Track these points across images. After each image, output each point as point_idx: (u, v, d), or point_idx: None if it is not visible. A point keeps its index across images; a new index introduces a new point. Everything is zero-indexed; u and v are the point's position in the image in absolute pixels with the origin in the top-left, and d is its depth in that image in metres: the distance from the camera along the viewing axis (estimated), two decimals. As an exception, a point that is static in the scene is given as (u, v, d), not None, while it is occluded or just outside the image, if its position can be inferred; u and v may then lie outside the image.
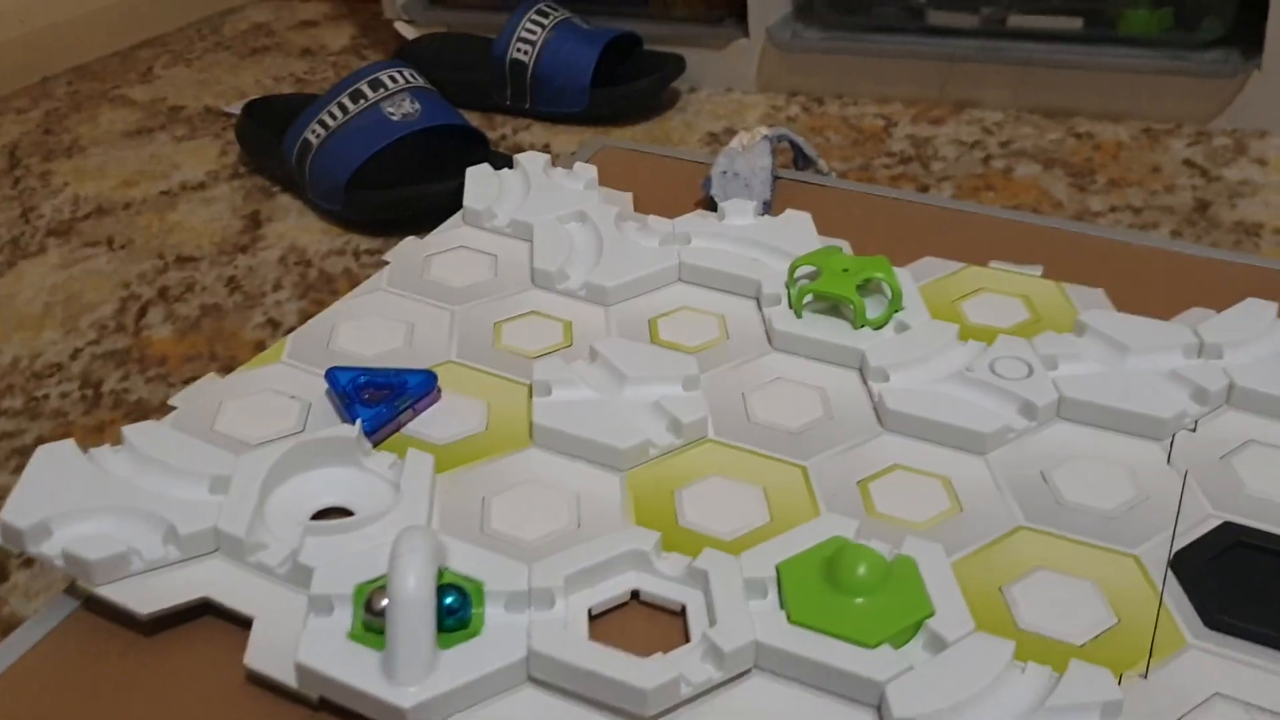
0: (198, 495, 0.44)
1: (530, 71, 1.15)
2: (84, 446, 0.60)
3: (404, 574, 0.37)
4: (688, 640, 0.41)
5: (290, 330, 0.82)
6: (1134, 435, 0.49)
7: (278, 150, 1.05)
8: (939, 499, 0.46)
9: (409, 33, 1.36)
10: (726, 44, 1.20)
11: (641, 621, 0.42)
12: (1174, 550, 0.43)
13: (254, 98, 1.15)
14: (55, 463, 0.45)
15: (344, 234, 0.96)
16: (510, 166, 0.96)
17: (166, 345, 0.82)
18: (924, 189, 0.93)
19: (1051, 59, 1.04)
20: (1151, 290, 0.59)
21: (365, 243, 0.94)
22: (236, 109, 1.27)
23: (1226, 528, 0.44)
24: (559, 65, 1.14)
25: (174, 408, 0.51)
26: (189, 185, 1.09)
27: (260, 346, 0.80)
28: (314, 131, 0.98)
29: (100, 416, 0.75)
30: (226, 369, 0.77)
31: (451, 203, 0.95)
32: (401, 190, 0.94)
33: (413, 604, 0.37)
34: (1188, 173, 0.91)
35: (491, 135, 1.15)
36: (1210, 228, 0.82)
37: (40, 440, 0.73)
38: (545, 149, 1.10)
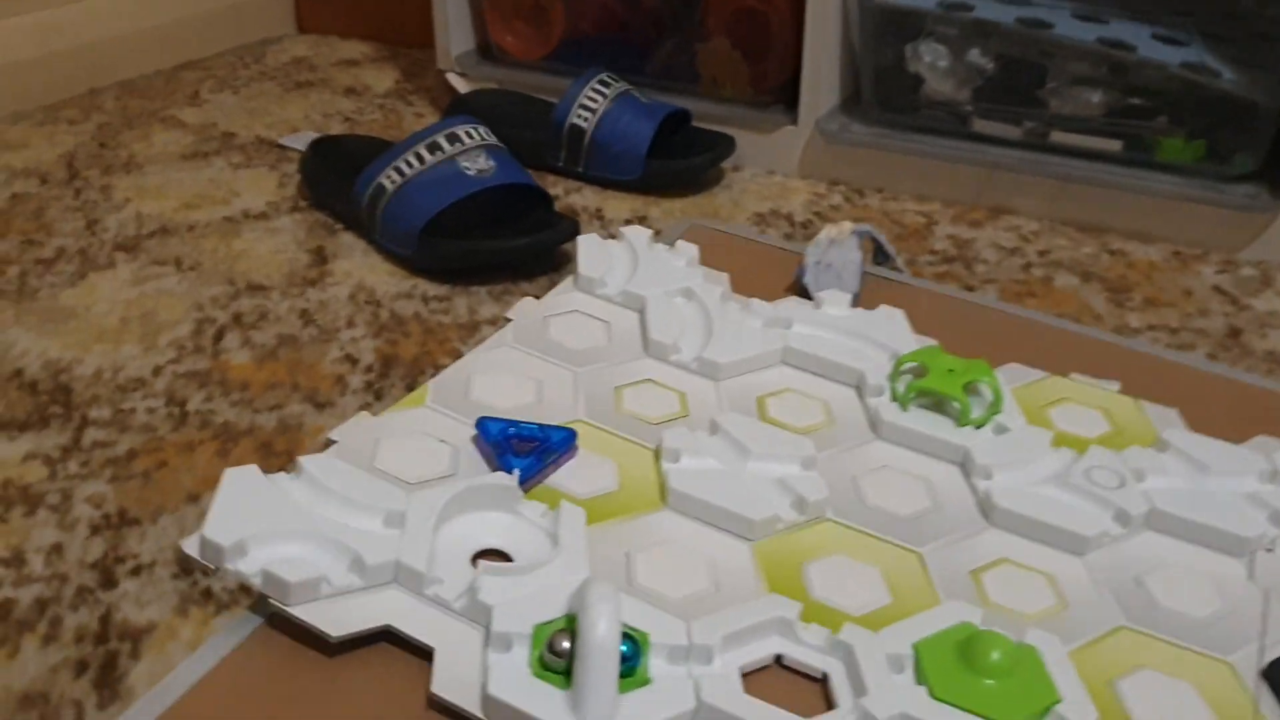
0: (373, 527, 0.47)
1: (588, 138, 1.19)
2: (179, 463, 0.63)
3: (595, 620, 0.41)
4: (829, 706, 0.44)
5: (369, 368, 0.85)
6: (1216, 550, 0.54)
7: (345, 190, 1.09)
8: (1045, 594, 0.50)
9: (462, 86, 1.40)
10: (774, 129, 1.25)
11: (784, 685, 0.45)
12: (1263, 660, 0.48)
13: (320, 135, 1.18)
14: (243, 485, 0.48)
15: (410, 278, 1.00)
16: (575, 228, 1.01)
17: (247, 371, 0.85)
18: (969, 289, 0.98)
19: (1089, 176, 1.10)
20: (1209, 410, 0.64)
21: (432, 289, 0.98)
22: (292, 142, 1.31)
23: (1307, 643, 0.49)
24: (617, 135, 1.19)
25: (333, 441, 0.54)
26: (251, 214, 1.12)
27: (341, 381, 0.83)
28: (389, 178, 1.02)
29: (189, 435, 0.77)
30: (311, 400, 0.81)
31: (517, 259, 1.00)
32: (473, 243, 0.98)
33: (602, 649, 0.41)
34: (1218, 299, 0.97)
35: (549, 194, 1.19)
36: (1244, 354, 0.88)
37: (133, 453, 0.75)
38: (598, 212, 1.14)
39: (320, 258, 1.03)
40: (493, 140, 1.05)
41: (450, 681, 0.43)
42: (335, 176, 1.12)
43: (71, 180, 1.20)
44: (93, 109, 1.43)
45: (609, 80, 1.22)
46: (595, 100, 1.20)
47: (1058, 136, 1.14)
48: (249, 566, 0.45)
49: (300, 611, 0.44)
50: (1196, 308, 0.96)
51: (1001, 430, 0.59)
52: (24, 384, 0.83)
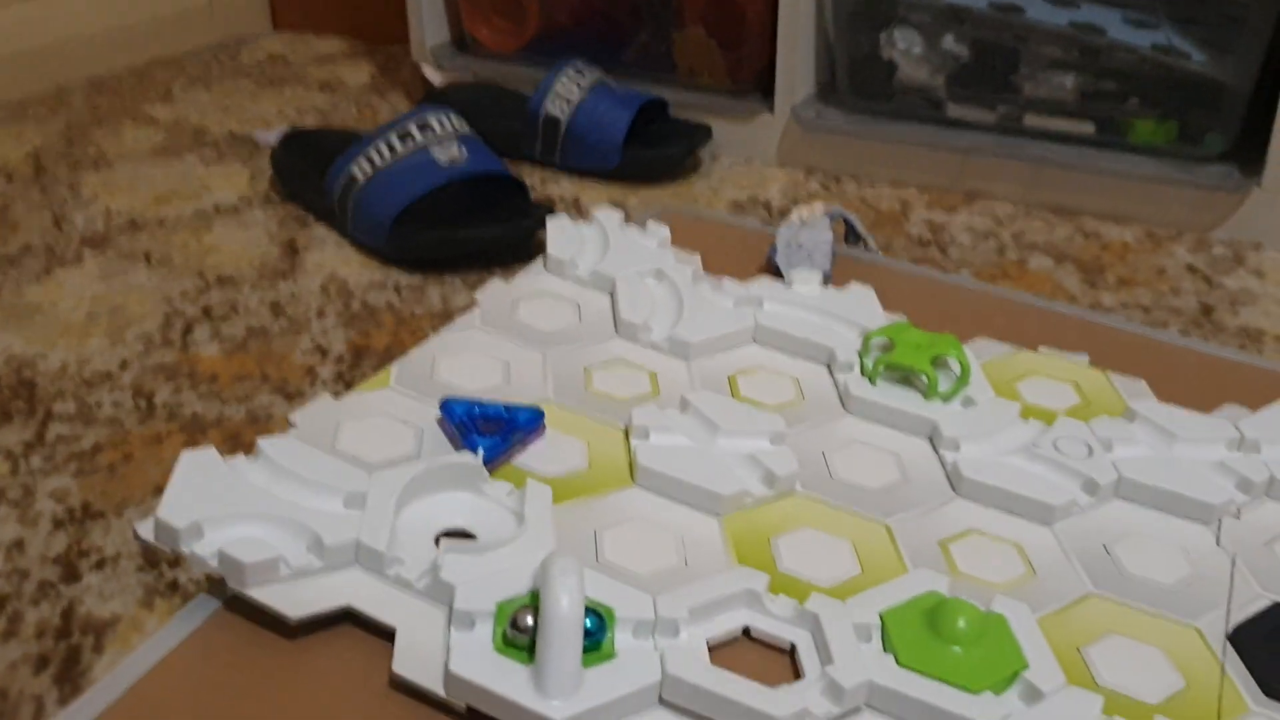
0: (333, 508, 0.47)
1: (564, 127, 1.19)
2: (145, 456, 0.63)
3: (558, 595, 0.40)
4: (797, 677, 0.44)
5: (340, 358, 0.84)
6: (1184, 517, 0.53)
7: (317, 182, 1.08)
8: (1015, 563, 0.50)
9: (436, 79, 1.40)
10: (750, 117, 1.25)
11: (752, 656, 0.45)
12: (1230, 625, 0.47)
13: (292, 129, 1.17)
14: (199, 468, 0.47)
15: (383, 269, 0.99)
16: (551, 214, 1.00)
17: (216, 363, 0.84)
18: (943, 272, 0.98)
19: (1063, 159, 1.10)
20: (1180, 384, 0.64)
21: (405, 279, 0.97)
22: (264, 137, 1.30)
23: (1277, 608, 0.48)
24: (593, 124, 1.18)
25: (293, 424, 0.53)
26: (222, 208, 1.11)
27: (311, 372, 0.83)
28: (360, 168, 1.01)
29: (156, 428, 0.77)
30: (280, 391, 0.80)
31: (491, 248, 0.99)
32: (446, 232, 0.98)
33: (565, 623, 0.40)
34: (1190, 278, 0.97)
35: (524, 185, 1.18)
36: (1216, 330, 0.88)
37: (98, 447, 0.75)
38: (575, 202, 1.14)
39: (292, 250, 1.02)
40: (465, 129, 1.04)
41: (412, 661, 0.42)
42: (307, 169, 1.11)
43: (38, 177, 1.19)
44: (61, 106, 1.42)
45: (583, 69, 1.22)
46: (570, 90, 1.20)
47: (1031, 120, 1.14)
48: (205, 549, 0.44)
49: (258, 593, 0.43)
50: (1169, 286, 0.96)
51: (969, 403, 0.59)
52: (-12, 379, 0.82)
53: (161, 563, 0.64)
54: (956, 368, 0.60)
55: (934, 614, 0.44)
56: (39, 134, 1.32)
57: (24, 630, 0.60)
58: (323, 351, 0.86)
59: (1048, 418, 0.59)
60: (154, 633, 0.58)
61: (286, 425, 0.76)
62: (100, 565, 0.64)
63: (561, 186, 1.18)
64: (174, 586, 0.62)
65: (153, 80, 1.53)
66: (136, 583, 0.63)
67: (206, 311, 0.92)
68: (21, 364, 0.84)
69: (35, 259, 1.01)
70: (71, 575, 0.64)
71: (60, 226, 1.08)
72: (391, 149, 1.01)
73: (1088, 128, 1.11)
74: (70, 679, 0.57)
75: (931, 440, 0.57)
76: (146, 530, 0.44)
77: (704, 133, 1.22)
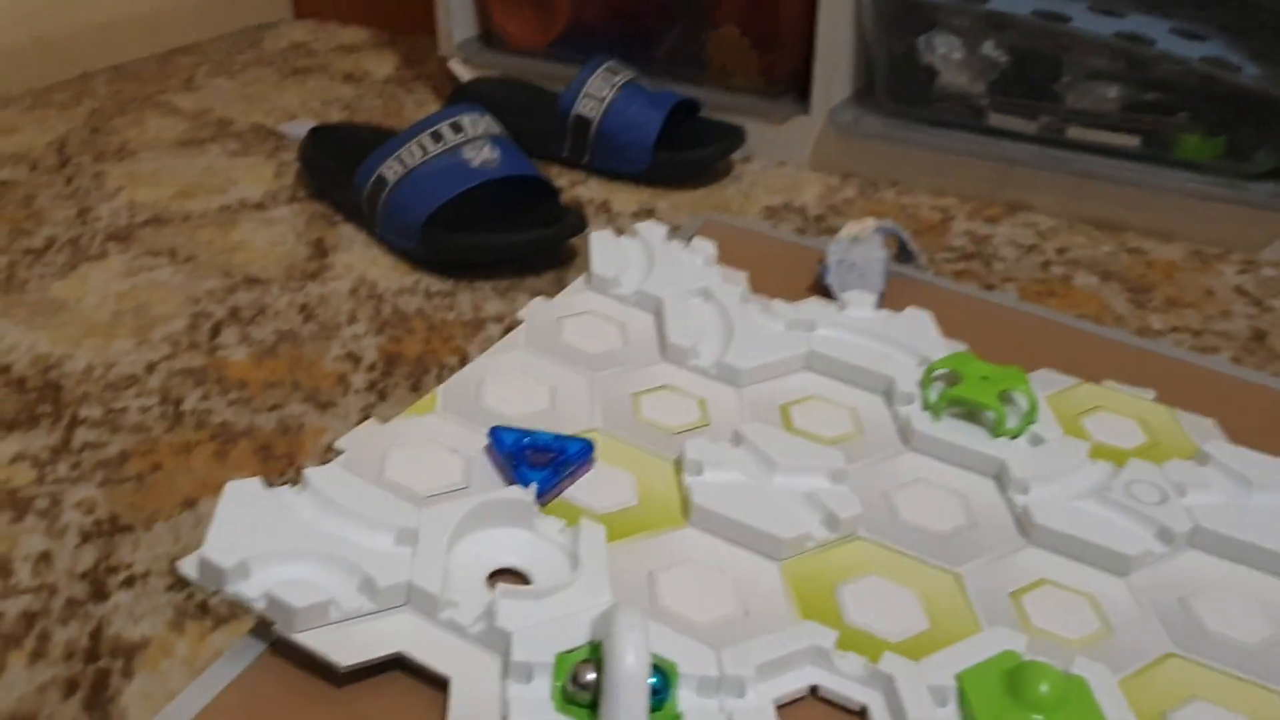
0: (383, 546, 0.45)
1: (595, 128, 1.17)
2: (174, 466, 0.61)
3: (623, 651, 0.38)
4: (868, 740, 0.42)
5: (372, 366, 0.82)
6: (1263, 570, 0.51)
7: (345, 180, 1.06)
8: (1089, 618, 0.48)
9: (464, 74, 1.37)
10: (784, 120, 1.22)
11: (819, 717, 0.43)
12: (1319, 690, 0.45)
13: (318, 124, 1.15)
14: (244, 499, 0.45)
15: (413, 272, 0.97)
16: (582, 222, 0.98)
17: (245, 369, 0.82)
18: (989, 287, 0.95)
19: (1106, 173, 1.08)
20: (1247, 420, 0.61)
21: (435, 284, 0.95)
22: (290, 130, 1.28)
23: (1365, 672, 0.46)
24: (624, 125, 1.16)
25: (340, 451, 0.51)
26: (248, 204, 1.09)
27: (343, 380, 0.81)
28: (391, 168, 0.99)
29: (185, 436, 0.75)
30: (312, 400, 0.78)
31: (523, 253, 0.97)
32: (477, 236, 0.95)
33: (631, 683, 0.38)
34: (1240, 300, 0.95)
35: (556, 187, 1.16)
36: (1271, 358, 0.86)
37: (125, 455, 0.73)
38: (604, 205, 1.11)
39: (320, 250, 1.00)
40: (497, 129, 1.02)
41: (467, 715, 0.40)
42: (335, 165, 1.09)
43: (62, 167, 1.17)
44: (84, 94, 1.39)
45: (616, 69, 1.19)
46: (601, 90, 1.17)
47: (1074, 132, 1.11)
48: (252, 590, 0.42)
49: (306, 638, 0.41)
50: (1218, 309, 0.93)
51: (1037, 441, 0.56)
52: (11, 380, 0.80)
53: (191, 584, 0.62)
54: (1024, 403, 0.58)
55: (1014, 677, 0.42)
56: (63, 122, 1.30)
57: (52, 651, 0.58)
58: (355, 359, 0.84)
59: (1117, 458, 0.57)
60: (183, 657, 0.57)
61: (318, 437, 0.74)
62: (129, 583, 0.62)
63: (591, 189, 1.16)
64: (204, 608, 0.61)
65: (175, 68, 1.51)
66: (166, 603, 0.61)
67: (234, 313, 0.90)
68: (48, 365, 0.82)
69: (59, 253, 0.99)
70: (100, 593, 0.62)
71: (84, 219, 1.05)
72: (423, 149, 0.99)
73: (1132, 141, 1.09)
74: (99, 705, 0.55)
75: (998, 480, 0.55)
76: (190, 568, 0.42)
77: (737, 135, 1.19)
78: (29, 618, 0.60)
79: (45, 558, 0.64)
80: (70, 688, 0.56)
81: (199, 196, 1.11)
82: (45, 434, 0.75)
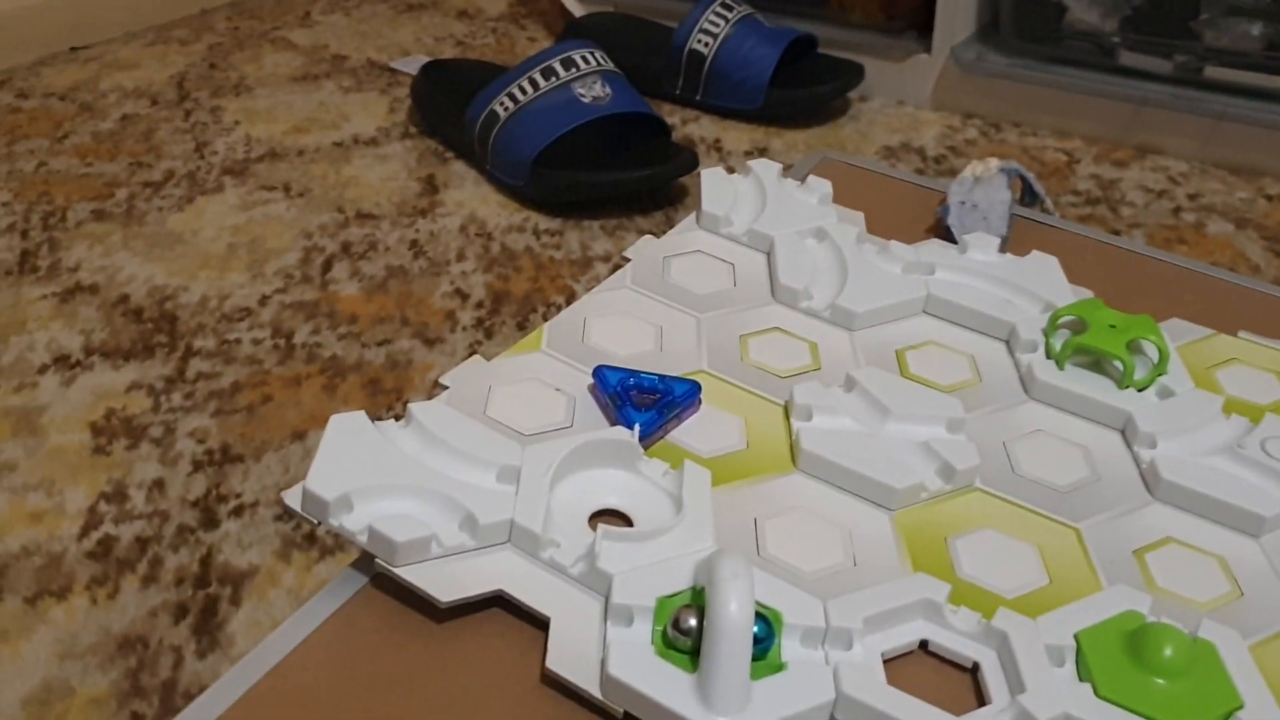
0: (486, 483, 0.44)
1: (709, 64, 1.14)
2: (285, 398, 0.61)
3: (727, 599, 0.37)
4: (980, 699, 0.40)
5: (480, 303, 0.82)
6: None
7: (457, 117, 1.05)
8: (1218, 580, 0.46)
9: (576, 9, 1.36)
10: (905, 57, 1.19)
11: (928, 673, 0.41)
12: None
13: (432, 59, 1.15)
14: (349, 433, 0.45)
15: (522, 210, 0.96)
16: (694, 160, 0.96)
17: (355, 303, 0.83)
18: (1115, 233, 0.91)
19: (1246, 115, 1.02)
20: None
21: (544, 222, 0.94)
22: (404, 66, 1.27)
23: None
24: (739, 61, 1.13)
25: (445, 386, 0.51)
26: (361, 139, 1.09)
27: (451, 316, 0.80)
28: (502, 104, 0.98)
29: (295, 369, 0.75)
30: (420, 336, 0.78)
31: (633, 191, 0.95)
32: (587, 174, 0.94)
33: (734, 631, 0.37)
34: (1389, 250, 0.89)
35: (666, 124, 1.14)
36: None
37: (237, 386, 0.73)
38: (716, 143, 1.09)
39: (431, 187, 1.00)
40: (609, 66, 1.00)
41: (566, 656, 0.40)
42: (447, 102, 1.08)
43: (181, 102, 1.18)
44: (204, 29, 1.41)
45: (731, 3, 1.17)
46: (717, 24, 1.15)
47: (1212, 72, 1.06)
48: (354, 523, 0.42)
49: (408, 573, 0.41)
50: (1366, 260, 0.88)
51: (1166, 394, 0.54)
52: (129, 310, 0.82)
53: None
54: (1154, 353, 0.55)
55: (1136, 639, 0.40)
56: (183, 57, 1.31)
57: (164, 576, 0.59)
58: (463, 296, 0.83)
59: (1253, 414, 0.54)
60: (289, 587, 0.57)
61: (426, 373, 0.74)
62: (238, 512, 0.63)
63: (702, 126, 1.13)
64: (311, 538, 0.61)
65: (292, 4, 1.52)
66: (274, 532, 0.61)
67: (346, 248, 0.90)
68: (164, 296, 0.83)
69: (177, 186, 1.00)
70: (210, 521, 0.62)
71: (201, 153, 1.07)
72: (535, 85, 0.98)
73: (1276, 82, 1.03)
74: (208, 631, 0.56)
75: (1124, 434, 0.52)
76: (294, 500, 0.42)
77: (855, 72, 1.16)
78: (142, 543, 0.61)
79: (159, 485, 0.65)
80: (180, 613, 0.57)
81: (313, 132, 1.11)
82: (160, 364, 0.76)
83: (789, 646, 0.40)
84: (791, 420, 0.51)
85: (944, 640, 0.42)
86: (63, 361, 0.74)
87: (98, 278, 0.84)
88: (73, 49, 1.32)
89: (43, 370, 0.73)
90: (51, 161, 1.02)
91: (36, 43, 1.30)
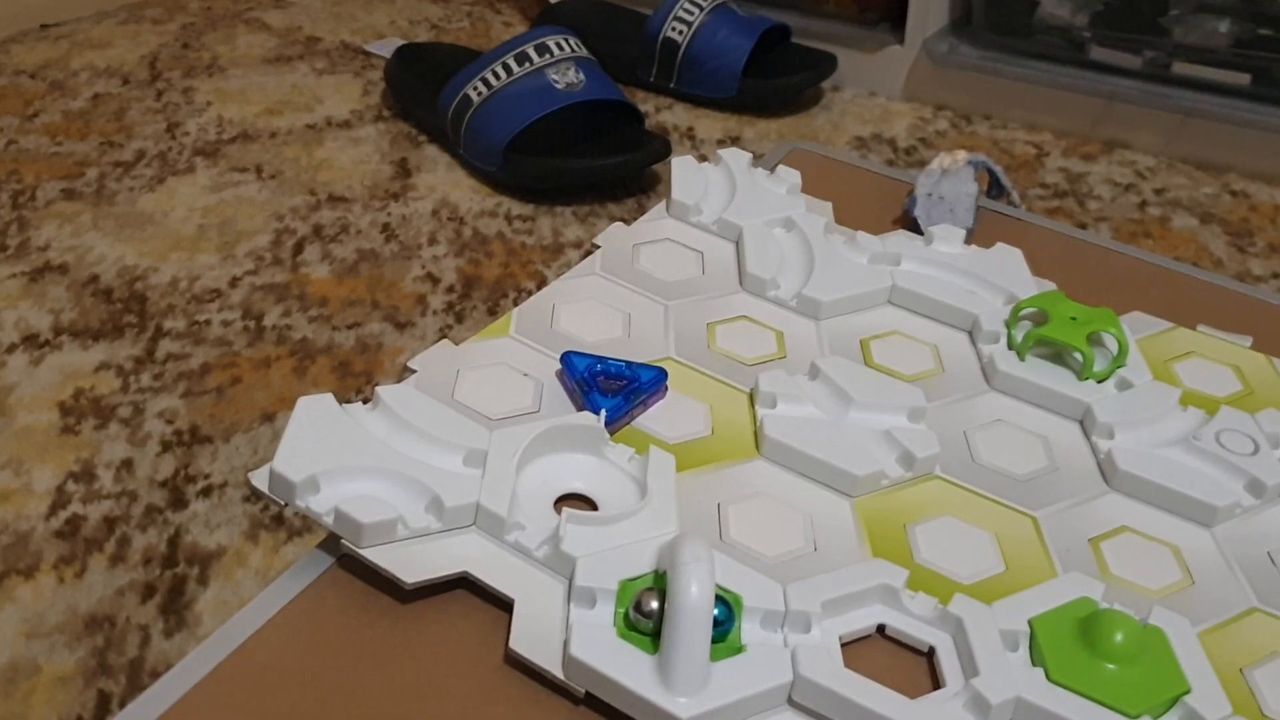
0: (452, 466, 0.45)
1: (682, 52, 1.15)
2: (254, 380, 0.61)
3: (688, 582, 0.38)
4: (935, 683, 0.41)
5: (451, 288, 0.82)
6: (1359, 528, 0.49)
7: (430, 101, 1.05)
8: (1170, 569, 0.47)
9: (553, -6, 1.36)
10: (878, 49, 1.19)
11: (885, 656, 0.42)
12: None
13: (405, 43, 1.15)
14: (316, 415, 0.45)
15: (494, 195, 0.97)
16: (666, 147, 0.97)
17: (326, 286, 0.83)
18: (1081, 226, 0.93)
19: (1212, 111, 1.03)
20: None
21: (516, 207, 0.94)
22: (378, 49, 1.27)
23: None
24: (713, 50, 1.14)
25: (413, 370, 0.51)
26: (334, 122, 1.09)
27: (422, 300, 0.81)
28: (476, 89, 0.98)
29: (265, 351, 0.75)
30: (391, 320, 0.78)
31: (606, 178, 0.96)
32: (560, 160, 0.95)
33: (694, 613, 0.38)
34: (1349, 247, 0.91)
35: (640, 112, 1.15)
36: (1378, 309, 0.82)
37: (207, 367, 0.73)
38: (689, 131, 1.10)
39: (403, 170, 1.00)
40: (583, 52, 1.01)
41: (529, 637, 0.40)
42: (421, 85, 1.08)
43: (153, 81, 1.18)
44: (176, 9, 1.40)
45: (706, -8, 1.17)
46: (691, 13, 1.15)
47: (1180, 68, 1.07)
48: (321, 505, 0.42)
49: (373, 554, 0.42)
50: (1327, 256, 0.90)
51: (1125, 386, 0.55)
52: (99, 290, 0.81)
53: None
54: (1113, 345, 0.56)
55: (1089, 625, 0.41)
56: (155, 36, 1.31)
57: (131, 556, 0.59)
58: (434, 280, 0.84)
59: (1209, 406, 0.55)
60: (257, 567, 0.57)
61: (396, 356, 0.75)
62: (207, 493, 0.63)
63: (676, 114, 1.14)
64: (279, 520, 0.61)
65: (266, -16, 1.51)
66: (242, 513, 0.62)
67: (317, 230, 0.90)
68: (134, 276, 0.83)
69: (148, 166, 1.00)
70: (178, 501, 0.63)
71: (173, 134, 1.06)
72: (508, 70, 0.98)
73: (1242, 79, 1.04)
74: (175, 610, 0.56)
75: (1083, 425, 0.53)
76: (261, 481, 0.43)
77: (828, 62, 1.17)
78: (110, 523, 0.61)
79: (127, 465, 0.65)
80: (148, 592, 0.57)
81: (285, 114, 1.11)
82: (130, 344, 0.76)
83: (749, 629, 0.41)
84: (756, 407, 0.52)
85: (901, 624, 0.42)
86: (31, 341, 0.74)
87: (67, 257, 0.83)
88: (43, 26, 1.31)
89: (11, 349, 0.73)
90: (21, 140, 1.02)
91: (6, 20, 1.29)
